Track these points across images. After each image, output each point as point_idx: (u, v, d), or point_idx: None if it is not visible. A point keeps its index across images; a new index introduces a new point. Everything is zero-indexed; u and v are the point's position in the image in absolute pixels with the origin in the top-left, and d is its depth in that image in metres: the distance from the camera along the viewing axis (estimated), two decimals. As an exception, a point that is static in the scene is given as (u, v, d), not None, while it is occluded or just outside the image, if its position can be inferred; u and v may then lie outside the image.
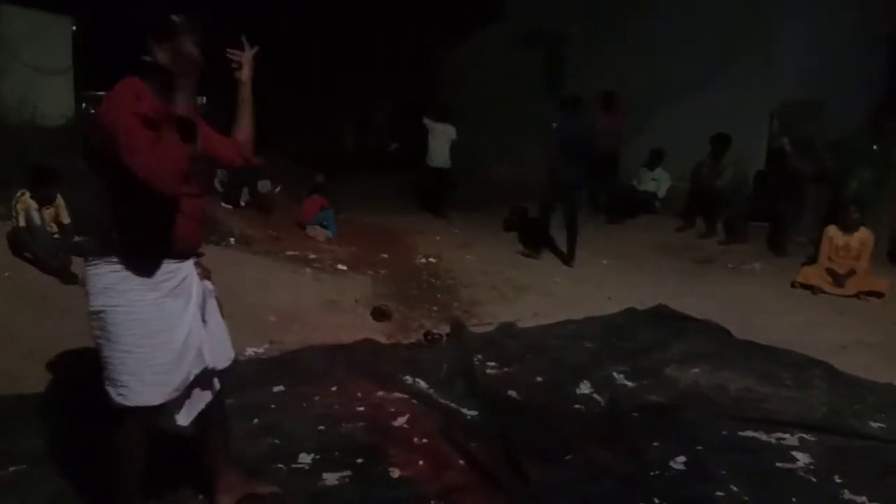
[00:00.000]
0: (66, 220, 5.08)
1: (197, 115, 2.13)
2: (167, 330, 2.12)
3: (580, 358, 4.40)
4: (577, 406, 3.71)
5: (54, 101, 9.05)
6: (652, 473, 2.97)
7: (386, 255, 7.01)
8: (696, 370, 4.22)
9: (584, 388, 3.89)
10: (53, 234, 5.00)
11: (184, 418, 2.31)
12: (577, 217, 7.10)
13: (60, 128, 8.65)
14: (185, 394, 2.27)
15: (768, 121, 9.18)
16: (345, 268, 6.37)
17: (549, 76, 12.35)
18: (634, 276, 6.66)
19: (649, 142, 9.46)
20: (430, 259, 7.06)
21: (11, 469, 2.80)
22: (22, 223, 4.87)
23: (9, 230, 4.91)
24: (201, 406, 2.34)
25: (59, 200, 5.07)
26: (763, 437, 3.36)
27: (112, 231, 2.08)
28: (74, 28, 10.34)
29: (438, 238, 8.02)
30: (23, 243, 4.82)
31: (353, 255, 6.85)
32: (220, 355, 2.35)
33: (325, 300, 5.43)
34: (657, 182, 9.37)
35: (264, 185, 8.25)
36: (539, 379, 4.04)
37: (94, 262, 2.11)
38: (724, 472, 2.98)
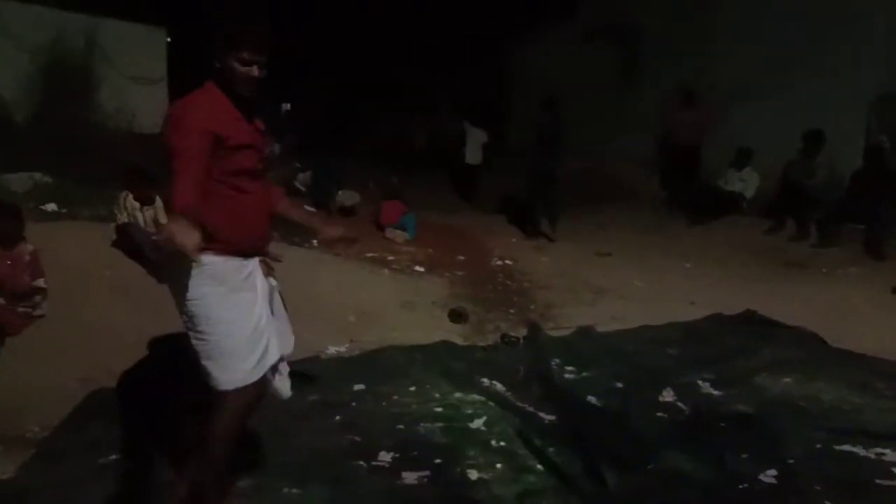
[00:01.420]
0: (164, 220, 5.36)
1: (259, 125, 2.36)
2: (236, 320, 2.27)
3: (662, 364, 4.27)
4: (659, 413, 3.60)
5: (149, 109, 9.55)
6: (740, 486, 2.85)
7: (462, 257, 7.04)
8: (786, 379, 4.02)
9: (667, 395, 3.78)
10: (152, 234, 5.28)
11: (285, 388, 2.54)
12: (557, 195, 8.31)
13: (155, 135, 9.15)
14: (273, 374, 2.44)
15: (864, 116, 8.64)
16: (422, 269, 6.44)
17: (624, 71, 12.07)
18: (720, 280, 6.41)
19: (735, 139, 9.08)
20: (506, 261, 7.04)
21: (112, 457, 2.98)
22: (128, 220, 5.18)
23: (116, 225, 5.22)
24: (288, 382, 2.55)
25: (158, 202, 5.36)
26: (861, 451, 3.16)
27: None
28: (169, 39, 10.91)
29: (514, 240, 7.99)
30: (128, 238, 5.12)
31: (430, 257, 6.91)
32: (286, 344, 2.52)
33: (402, 301, 5.50)
34: (745, 182, 8.97)
35: (352, 197, 8.43)
36: (618, 384, 3.95)
37: (174, 261, 2.24)
38: (818, 488, 2.82)
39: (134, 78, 9.61)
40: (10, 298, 4.30)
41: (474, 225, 8.73)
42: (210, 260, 2.19)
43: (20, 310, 4.35)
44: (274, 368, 2.44)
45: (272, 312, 2.44)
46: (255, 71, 2.26)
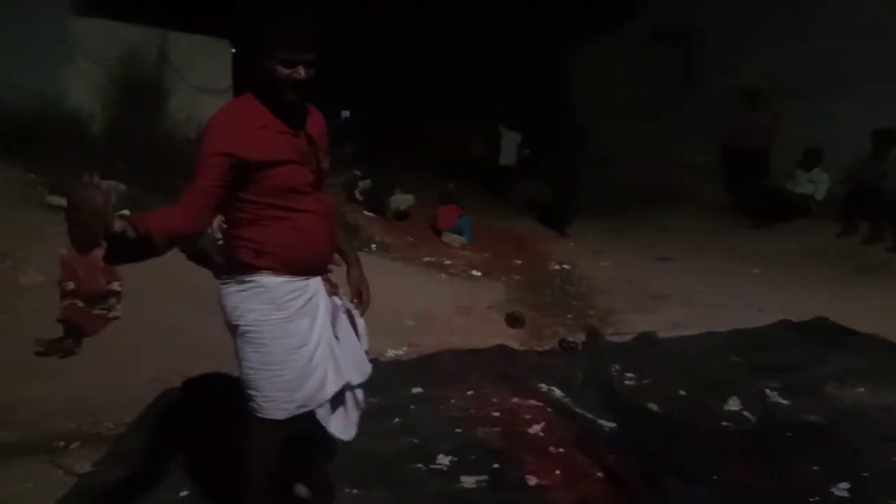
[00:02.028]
0: (228, 225, 5.53)
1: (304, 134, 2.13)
2: (291, 349, 2.09)
3: (727, 372, 4.14)
4: (724, 423, 3.49)
5: (216, 118, 9.89)
6: (811, 500, 2.74)
7: (519, 262, 7.02)
8: (860, 389, 3.84)
9: (733, 404, 3.66)
10: (217, 240, 5.46)
11: (340, 429, 2.26)
12: (571, 195, 8.96)
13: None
14: (335, 406, 2.23)
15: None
16: (479, 274, 6.45)
17: (684, 74, 11.80)
18: (789, 285, 6.17)
19: (802, 141, 8.74)
20: (564, 265, 6.98)
21: (181, 457, 3.07)
22: None
23: None
24: (356, 416, 2.31)
25: None
26: (942, 466, 3.00)
27: (239, 250, 2.09)
28: (234, 50, 11.27)
29: (572, 244, 7.91)
30: (196, 245, 5.31)
31: (487, 262, 6.92)
32: (354, 370, 2.25)
33: (459, 305, 5.52)
34: (814, 184, 8.62)
35: (407, 200, 8.53)
36: (681, 392, 3.86)
37: (225, 280, 2.13)
38: (894, 503, 2.69)
39: (201, 88, 9.95)
40: (87, 301, 4.53)
41: (531, 229, 8.69)
42: (267, 282, 2.06)
43: (96, 312, 4.57)
44: (337, 402, 2.23)
45: (336, 336, 2.21)
46: (300, 72, 1.99)
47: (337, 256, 2.38)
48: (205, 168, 1.95)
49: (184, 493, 2.75)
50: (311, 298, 2.14)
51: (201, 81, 10.00)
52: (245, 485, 2.20)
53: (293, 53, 1.97)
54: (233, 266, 2.11)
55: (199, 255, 5.32)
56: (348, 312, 2.31)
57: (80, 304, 4.47)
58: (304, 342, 2.11)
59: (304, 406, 2.13)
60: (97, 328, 4.53)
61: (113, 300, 4.68)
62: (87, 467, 3.04)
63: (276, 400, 2.09)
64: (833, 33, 8.84)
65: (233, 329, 2.13)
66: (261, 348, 2.08)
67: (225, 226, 5.59)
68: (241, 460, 2.18)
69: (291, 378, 2.09)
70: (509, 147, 12.05)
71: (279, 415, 2.10)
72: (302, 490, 2.47)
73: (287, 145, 2.05)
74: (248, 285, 2.07)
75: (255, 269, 2.06)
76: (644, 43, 12.26)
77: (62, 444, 3.30)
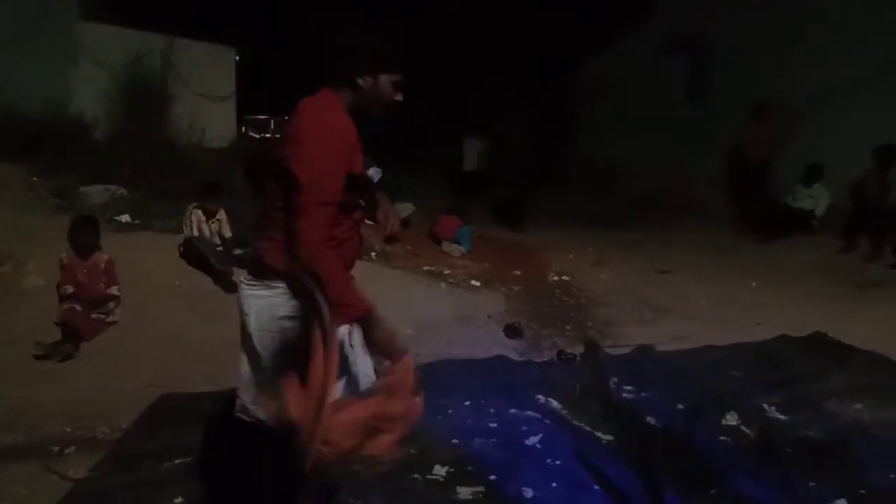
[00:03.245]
0: (227, 233, 5.55)
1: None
2: None
3: (726, 386, 4.12)
4: (722, 437, 3.48)
5: (219, 125, 9.95)
6: (809, 516, 2.73)
7: (518, 272, 7.01)
8: (858, 405, 3.82)
9: (731, 418, 3.65)
10: (217, 246, 5.48)
11: None
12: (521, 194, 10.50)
13: (224, 149, 9.50)
14: None
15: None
16: (478, 283, 6.45)
17: (693, 85, 11.84)
18: (788, 300, 6.17)
19: (805, 155, 8.76)
20: (564, 276, 6.97)
21: (177, 461, 3.08)
22: (195, 233, 5.40)
23: (183, 240, 5.45)
24: None
25: (222, 215, 5.56)
26: (941, 484, 2.99)
27: (272, 255, 2.07)
28: (238, 58, 11.33)
29: (572, 255, 7.91)
30: (196, 251, 5.32)
31: (487, 271, 6.91)
32: (365, 379, 2.23)
33: (458, 315, 5.52)
34: (814, 199, 8.64)
35: (407, 209, 8.54)
36: (680, 406, 3.83)
37: (250, 283, 2.14)
38: (893, 520, 2.69)
39: (205, 95, 10.02)
40: (86, 305, 4.53)
41: (532, 240, 8.68)
42: (292, 289, 2.06)
43: (94, 316, 4.57)
44: None
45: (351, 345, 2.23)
46: (401, 97, 2.12)
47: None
48: (329, 186, 1.94)
49: (179, 500, 2.74)
50: None
51: (205, 88, 10.07)
52: (277, 488, 2.21)
53: (401, 77, 2.10)
54: (261, 270, 2.11)
55: (198, 260, 5.33)
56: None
57: (79, 307, 4.47)
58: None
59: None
60: (96, 332, 4.53)
61: (112, 304, 4.69)
62: (82, 472, 3.03)
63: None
64: (839, 51, 8.87)
65: (259, 331, 2.11)
66: (284, 353, 2.08)
67: (222, 232, 5.58)
68: (275, 463, 2.17)
69: None
70: (471, 155, 13.47)
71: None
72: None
73: (359, 161, 2.09)
74: (278, 290, 2.07)
75: (286, 276, 2.06)
76: (655, 52, 12.30)
77: (57, 448, 3.29)
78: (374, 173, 7.57)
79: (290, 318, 2.07)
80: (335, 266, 1.96)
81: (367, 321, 2.05)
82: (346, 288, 1.99)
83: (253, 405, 2.18)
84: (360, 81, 2.07)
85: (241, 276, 2.23)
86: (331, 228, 1.99)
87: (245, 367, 2.22)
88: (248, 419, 2.21)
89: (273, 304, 2.08)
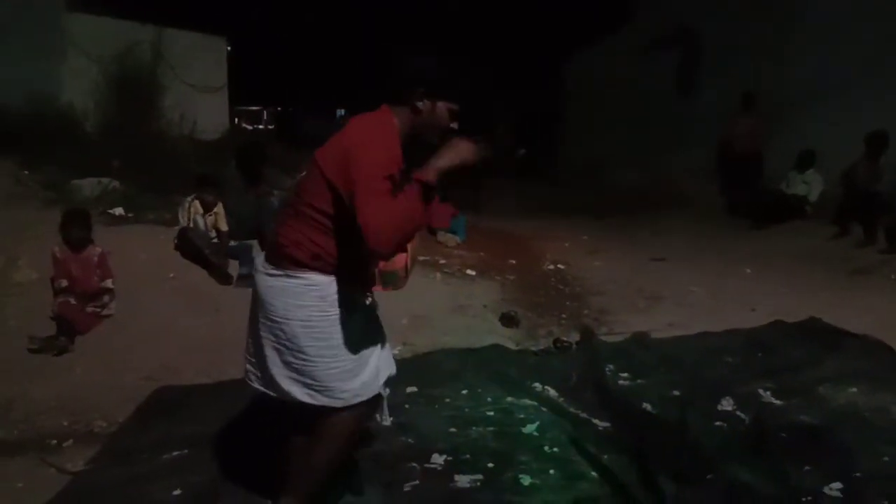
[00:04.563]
0: (223, 227, 5.52)
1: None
2: (340, 343, 2.17)
3: (720, 372, 4.16)
4: (717, 423, 3.50)
5: (210, 116, 9.89)
6: (804, 500, 2.75)
7: (514, 261, 7.01)
8: (852, 390, 3.85)
9: (726, 404, 3.67)
10: (211, 238, 5.45)
11: (386, 419, 2.50)
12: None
13: (215, 141, 9.44)
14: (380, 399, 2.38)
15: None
16: (474, 273, 6.44)
17: (681, 79, 11.83)
18: (782, 286, 6.19)
19: (800, 143, 8.78)
20: (559, 265, 6.98)
21: (174, 453, 3.08)
22: (190, 224, 5.37)
23: (179, 230, 5.41)
24: (385, 406, 2.46)
25: (219, 209, 5.52)
26: (934, 467, 3.02)
27: (295, 249, 2.13)
28: (229, 48, 11.25)
29: (567, 245, 7.92)
30: (190, 243, 5.29)
31: (482, 261, 6.91)
32: (388, 366, 2.41)
33: (454, 304, 5.52)
34: (808, 185, 8.67)
35: None
36: (675, 392, 3.86)
37: (274, 273, 2.16)
38: (886, 503, 2.71)
39: (196, 86, 9.94)
40: (80, 298, 4.51)
41: (527, 229, 8.68)
42: (319, 279, 2.14)
43: (89, 309, 4.56)
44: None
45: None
46: (456, 125, 2.23)
47: None
48: (379, 167, 2.00)
49: (177, 493, 2.74)
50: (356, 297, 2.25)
51: (196, 79, 9.99)
52: (311, 478, 2.31)
53: (458, 108, 2.21)
54: (280, 260, 2.16)
55: (192, 252, 5.31)
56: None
57: (74, 301, 4.45)
58: (356, 334, 2.21)
59: (359, 395, 2.22)
60: (90, 326, 4.51)
61: (106, 298, 4.67)
62: (79, 466, 3.03)
63: (332, 390, 2.18)
64: (828, 39, 8.88)
65: (278, 322, 2.16)
66: (316, 342, 2.15)
67: (218, 225, 5.57)
68: (312, 458, 2.28)
69: (348, 368, 2.19)
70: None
71: (337, 403, 2.19)
72: None
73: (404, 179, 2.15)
74: (298, 281, 2.13)
75: (307, 268, 2.13)
76: (643, 47, 12.29)
77: (55, 442, 3.29)
78: None
79: (313, 306, 2.13)
80: (397, 215, 1.95)
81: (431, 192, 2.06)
82: (413, 212, 1.99)
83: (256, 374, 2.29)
84: (420, 104, 2.16)
85: (258, 264, 2.26)
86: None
87: (253, 351, 2.31)
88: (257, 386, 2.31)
89: (296, 292, 2.13)
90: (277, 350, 2.19)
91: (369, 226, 1.91)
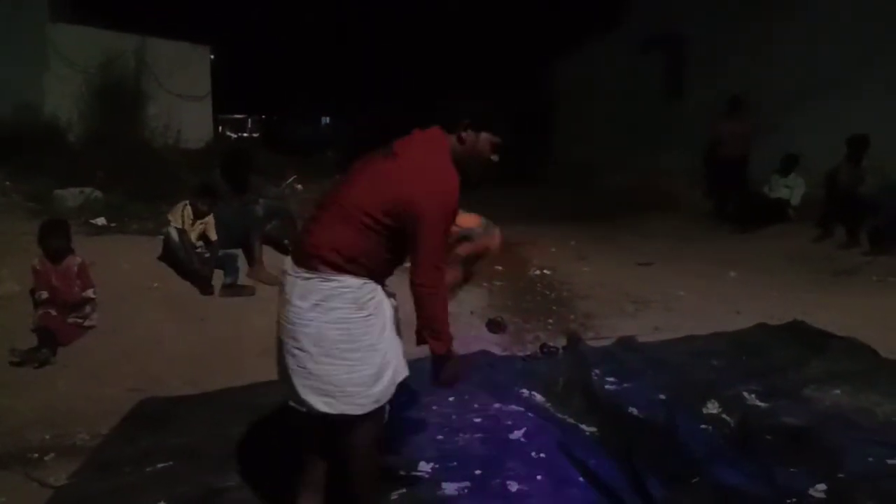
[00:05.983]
0: (213, 236, 5.47)
1: None
2: (371, 346, 2.22)
3: (706, 375, 4.17)
4: (704, 426, 3.52)
5: (195, 125, 9.85)
6: (788, 501, 2.76)
7: (500, 267, 7.01)
8: (837, 391, 3.87)
9: (712, 407, 3.69)
10: (196, 247, 5.40)
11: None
12: None
13: (200, 150, 9.40)
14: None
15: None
16: (461, 279, 6.44)
17: (669, 81, 11.93)
18: (766, 289, 6.24)
19: (783, 146, 8.88)
20: (545, 271, 6.99)
21: (160, 465, 3.05)
22: (179, 227, 5.28)
23: (165, 236, 5.34)
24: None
25: (210, 218, 5.48)
26: (917, 467, 3.04)
27: (329, 253, 2.16)
28: (213, 57, 11.22)
29: (553, 250, 7.93)
30: (177, 249, 5.22)
31: (469, 267, 6.91)
32: (402, 370, 2.43)
33: (441, 311, 5.50)
34: (790, 189, 8.77)
35: None
36: (662, 396, 3.86)
37: (307, 276, 2.17)
38: (870, 503, 2.73)
39: (180, 95, 9.91)
40: (62, 309, 4.46)
41: (513, 235, 8.69)
42: (351, 282, 2.17)
43: (70, 320, 4.50)
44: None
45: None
46: (497, 158, 2.34)
47: None
48: (445, 221, 2.23)
49: (161, 501, 2.71)
50: (381, 299, 2.30)
51: (180, 88, 9.96)
52: (355, 486, 2.35)
53: (501, 142, 2.33)
54: (312, 262, 2.18)
55: (175, 258, 5.27)
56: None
57: (55, 312, 4.40)
58: (381, 339, 2.26)
59: (378, 401, 2.25)
60: (73, 337, 4.46)
61: (88, 308, 4.62)
62: (62, 479, 2.98)
63: (353, 395, 2.19)
64: (815, 44, 9.00)
65: (306, 326, 2.17)
66: (345, 344, 2.16)
67: (208, 234, 5.54)
68: (351, 472, 2.33)
69: (371, 373, 2.21)
70: None
71: (357, 409, 2.20)
72: None
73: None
74: (332, 284, 2.15)
75: (342, 271, 2.17)
76: (631, 51, 12.38)
77: (37, 455, 3.24)
78: None
79: (345, 308, 2.17)
80: (445, 304, 2.32)
81: (444, 360, 2.38)
82: (446, 324, 2.33)
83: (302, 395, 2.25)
84: (465, 134, 2.28)
85: (286, 265, 2.28)
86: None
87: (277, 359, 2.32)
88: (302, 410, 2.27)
89: (330, 295, 2.16)
90: (297, 357, 2.20)
91: (422, 271, 2.21)
